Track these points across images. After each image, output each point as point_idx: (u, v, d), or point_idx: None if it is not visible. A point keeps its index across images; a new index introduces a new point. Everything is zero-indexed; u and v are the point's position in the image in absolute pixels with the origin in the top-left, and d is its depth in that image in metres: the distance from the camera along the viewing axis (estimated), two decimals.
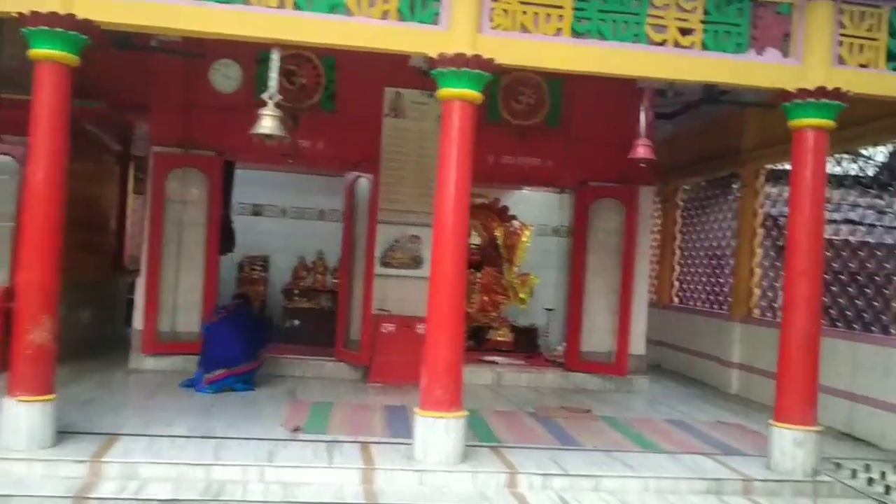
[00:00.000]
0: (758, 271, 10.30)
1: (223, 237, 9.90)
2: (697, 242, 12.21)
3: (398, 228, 9.88)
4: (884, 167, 11.94)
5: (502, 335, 11.57)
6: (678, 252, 12.85)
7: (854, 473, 4.94)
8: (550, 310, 12.22)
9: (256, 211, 12.49)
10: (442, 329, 6.09)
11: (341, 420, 7.21)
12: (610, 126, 10.19)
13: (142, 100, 9.47)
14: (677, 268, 12.84)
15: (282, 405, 7.70)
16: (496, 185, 11.27)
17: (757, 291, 10.30)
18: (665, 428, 7.84)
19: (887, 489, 4.52)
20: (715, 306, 11.46)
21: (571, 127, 10.15)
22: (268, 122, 6.02)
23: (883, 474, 4.86)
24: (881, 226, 10.63)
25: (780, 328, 6.60)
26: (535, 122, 10.08)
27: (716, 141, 11.34)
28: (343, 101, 9.69)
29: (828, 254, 8.94)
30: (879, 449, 7.55)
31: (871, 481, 4.81)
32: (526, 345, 11.59)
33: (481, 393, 9.15)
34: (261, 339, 8.42)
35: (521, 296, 11.61)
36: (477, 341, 11.60)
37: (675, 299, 12.79)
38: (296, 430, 6.67)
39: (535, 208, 12.79)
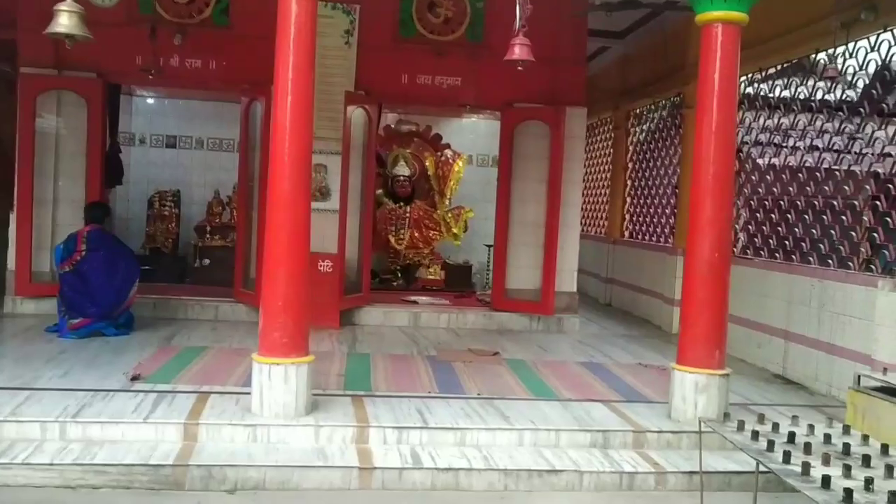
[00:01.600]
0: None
1: (109, 169, 9.01)
2: (647, 172, 11.28)
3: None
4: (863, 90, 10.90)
5: (432, 273, 10.76)
6: (629, 183, 11.93)
7: (741, 425, 4.11)
8: (491, 246, 11.36)
9: (171, 143, 11.55)
10: (278, 260, 5.22)
11: (201, 368, 6.41)
12: (538, 42, 9.17)
13: (10, 15, 8.49)
14: (628, 200, 11.92)
15: (148, 351, 6.90)
16: (411, 107, 10.33)
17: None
18: (575, 371, 7.03)
19: (769, 444, 3.70)
20: (661, 240, 10.58)
21: (494, 43, 9.11)
22: (64, 20, 5.04)
23: (775, 426, 4.04)
24: (848, 153, 9.67)
25: (685, 256, 5.73)
26: (454, 38, 9.08)
27: (663, 60, 10.33)
28: (237, 15, 8.71)
29: (787, 181, 8.05)
30: (809, 392, 6.74)
31: (755, 435, 3.99)
32: (459, 283, 10.78)
33: (390, 335, 8.36)
34: (128, 274, 7.53)
35: (455, 231, 10.79)
36: (406, 280, 10.80)
37: (626, 234, 11.90)
38: (134, 378, 5.88)
39: (477, 137, 11.87)
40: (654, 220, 10.88)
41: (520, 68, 5.87)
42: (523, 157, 9.20)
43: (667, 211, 10.50)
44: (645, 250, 10.76)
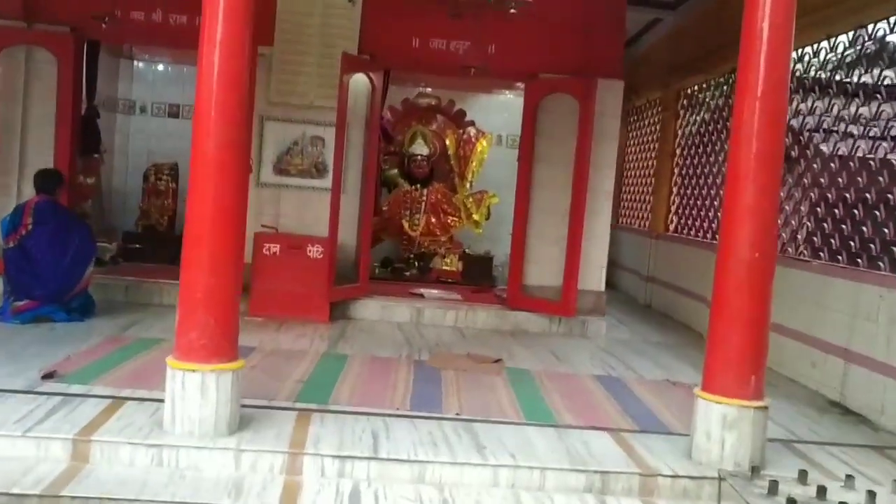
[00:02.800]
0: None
1: (85, 137, 8.14)
2: (697, 159, 9.99)
3: (297, 127, 7.99)
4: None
5: (448, 264, 9.68)
6: (676, 172, 10.65)
7: (773, 487, 2.99)
8: None
9: (173, 112, 10.67)
10: (198, 240, 4.19)
11: (138, 367, 5.45)
12: (569, 4, 8.06)
13: None
14: (674, 190, 10.65)
15: (90, 342, 5.99)
16: (421, 73, 9.23)
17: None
18: (586, 388, 5.90)
19: None
20: (707, 236, 9.32)
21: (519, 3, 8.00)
22: None
23: (821, 491, 2.91)
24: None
25: (717, 254, 4.56)
26: None
27: (717, 30, 9.03)
28: None
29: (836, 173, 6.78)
30: (872, 428, 5.49)
31: (774, 487, 2.89)
32: (478, 276, 9.68)
33: (383, 333, 7.32)
34: (82, 253, 6.63)
35: (475, 217, 9.67)
36: (421, 270, 9.74)
37: (670, 228, 10.64)
38: (47, 376, 4.94)
39: (509, 116, 10.70)
40: (702, 214, 9.61)
41: (513, 11, 4.70)
42: (548, 136, 8.06)
43: (715, 203, 9.22)
44: (689, 247, 9.50)
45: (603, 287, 8.27)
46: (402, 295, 8.41)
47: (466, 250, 10.00)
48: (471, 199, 9.74)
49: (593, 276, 8.13)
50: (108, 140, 9.66)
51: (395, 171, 9.95)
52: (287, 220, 7.92)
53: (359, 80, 7.86)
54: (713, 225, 9.20)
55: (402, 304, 8.06)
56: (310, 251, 7.47)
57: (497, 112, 10.81)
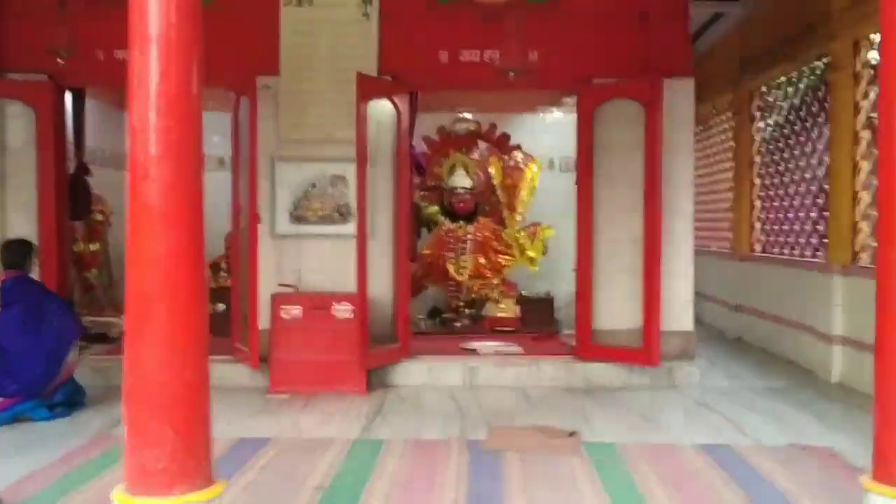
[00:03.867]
0: (864, 195, 6.70)
1: (73, 198, 7.12)
2: (783, 165, 8.60)
3: (314, 167, 6.85)
4: None
5: (504, 310, 8.41)
6: (758, 182, 9.25)
7: None
8: None
9: None
10: (144, 324, 2.99)
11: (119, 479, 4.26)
12: None
13: None
14: (758, 204, 9.24)
15: (69, 446, 4.86)
16: (453, 92, 8.05)
17: (865, 226, 6.72)
18: (693, 466, 4.53)
19: None
20: (806, 253, 7.89)
21: (563, 1, 6.81)
22: None
23: None
24: None
25: (877, 289, 3.22)
26: None
27: (796, 15, 7.71)
28: None
29: None
30: None
31: None
32: (538, 321, 8.39)
33: (431, 403, 6.09)
34: (62, 337, 5.54)
35: (530, 253, 8.40)
36: (472, 319, 8.50)
37: (756, 247, 9.21)
38: None
39: (559, 136, 9.46)
40: (795, 229, 8.19)
41: None
42: (608, 150, 6.79)
43: (812, 214, 7.81)
44: (786, 268, 8.08)
45: (691, 325, 6.89)
46: (451, 352, 7.16)
47: (523, 292, 8.72)
48: (523, 234, 8.48)
49: (678, 313, 6.77)
50: (114, 201, 8.65)
51: (435, 208, 8.76)
52: (310, 276, 6.76)
53: (381, 107, 6.73)
54: (811, 240, 7.77)
55: (452, 363, 6.81)
56: (336, 311, 6.29)
57: (545, 133, 9.57)
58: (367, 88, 6.32)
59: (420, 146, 8.91)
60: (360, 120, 6.19)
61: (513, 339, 7.77)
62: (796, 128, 8.28)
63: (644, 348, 6.46)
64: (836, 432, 5.20)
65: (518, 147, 8.88)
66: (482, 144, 9.05)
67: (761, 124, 9.19)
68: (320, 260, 6.79)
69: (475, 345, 7.38)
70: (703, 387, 6.62)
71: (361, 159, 6.19)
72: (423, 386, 6.60)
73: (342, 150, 6.66)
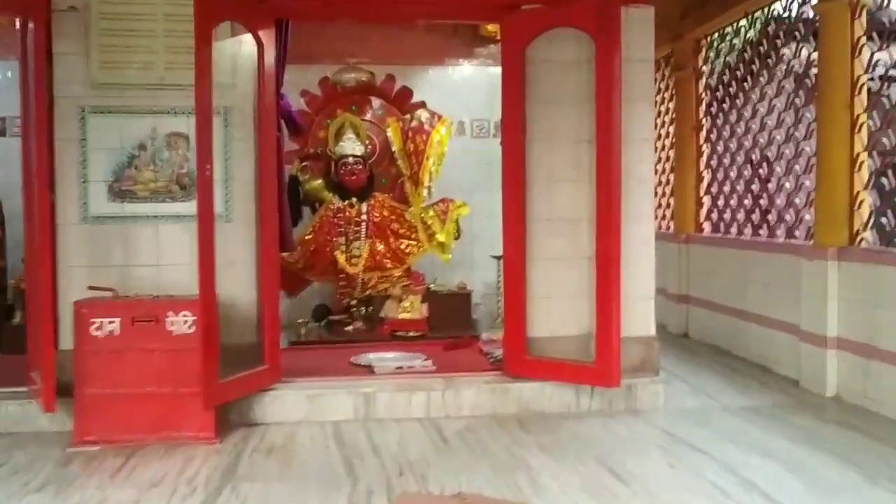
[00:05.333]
0: (866, 161, 5.25)
1: None
2: (739, 127, 7.13)
3: (143, 122, 4.92)
4: None
5: (408, 309, 6.65)
6: (707, 149, 7.78)
7: None
8: (500, 258, 7.27)
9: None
10: None
11: None
12: None
13: None
14: (706, 175, 7.78)
15: None
16: (336, 20, 6.27)
17: (867, 200, 5.28)
18: None
19: None
20: (779, 233, 6.44)
21: None
22: None
23: None
24: None
25: None
26: None
27: None
28: None
29: None
30: None
31: None
32: (451, 322, 6.71)
33: (308, 451, 4.34)
34: None
35: (440, 238, 6.70)
36: (369, 320, 6.74)
37: (706, 226, 7.75)
38: None
39: (472, 92, 7.77)
40: (754, 205, 6.74)
41: None
42: (545, 101, 5.13)
43: (787, 185, 6.36)
44: (751, 251, 6.61)
45: (653, 328, 5.30)
46: (339, 371, 5.38)
47: (431, 286, 6.99)
48: (431, 213, 6.76)
49: (637, 314, 5.18)
50: None
51: (319, 181, 6.92)
52: (138, 275, 4.85)
53: (239, 42, 4.88)
54: (790, 217, 6.33)
55: (340, 388, 5.02)
56: (171, 323, 4.42)
57: (454, 92, 7.81)
58: (212, 9, 4.42)
59: (298, 103, 7.05)
60: (201, 53, 4.29)
61: (419, 347, 6.07)
62: (757, 81, 6.82)
63: (598, 362, 4.83)
64: (867, 470, 3.71)
65: (422, 105, 7.12)
66: (377, 102, 7.24)
67: (709, 81, 7.71)
68: (152, 252, 4.90)
69: (370, 358, 5.62)
70: (669, 408, 5.07)
71: (202, 110, 4.30)
72: (301, 423, 4.80)
73: (183, 99, 4.76)
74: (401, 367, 5.42)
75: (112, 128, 4.86)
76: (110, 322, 4.40)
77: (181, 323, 4.43)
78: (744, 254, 6.68)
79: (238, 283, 4.91)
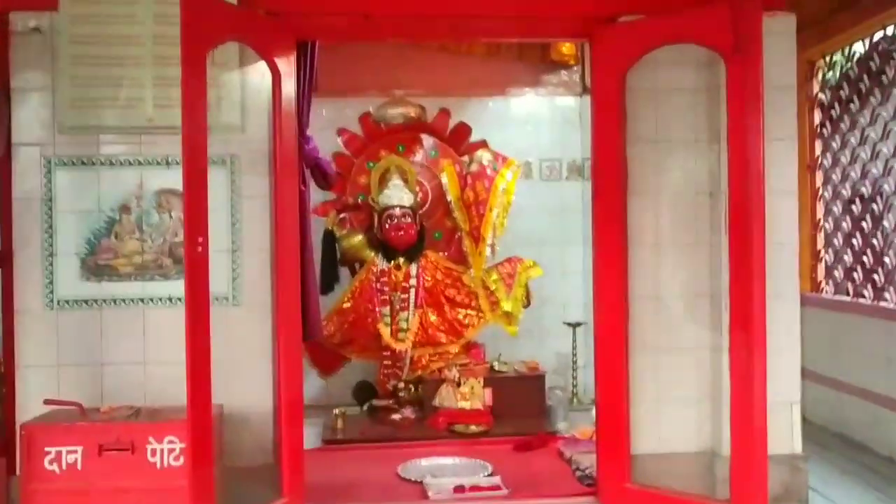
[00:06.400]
0: None
1: None
2: (872, 165, 5.78)
3: (127, 175, 3.79)
4: None
5: (468, 396, 5.40)
6: (827, 195, 6.42)
7: None
8: (577, 325, 6.04)
9: None
10: None
11: None
12: None
13: None
14: (825, 224, 6.41)
15: None
16: (377, 41, 5.10)
17: None
18: None
19: None
20: None
21: None
22: None
23: None
24: None
25: None
26: None
27: None
28: None
29: None
30: None
31: None
32: (521, 411, 5.43)
33: None
34: None
35: (505, 306, 5.47)
36: (419, 408, 5.53)
37: (823, 286, 6.38)
38: None
39: (539, 128, 6.56)
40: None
41: None
42: (652, 141, 3.88)
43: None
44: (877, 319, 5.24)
45: (799, 443, 3.97)
46: (383, 489, 4.16)
47: (495, 364, 5.73)
48: (495, 276, 5.54)
49: (778, 424, 3.85)
50: None
51: (360, 237, 5.76)
52: (118, 379, 3.70)
53: (251, 72, 3.75)
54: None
55: None
56: (153, 452, 3.24)
57: (519, 126, 6.58)
58: (205, 26, 3.28)
59: (334, 144, 5.90)
60: (189, 84, 3.14)
61: (483, 447, 4.85)
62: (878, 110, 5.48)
63: (735, 498, 3.51)
64: None
65: (483, 144, 5.92)
66: (428, 141, 6.05)
67: (829, 107, 6.37)
68: (134, 348, 3.74)
69: (423, 467, 4.40)
70: None
71: (191, 160, 3.14)
72: None
73: (178, 145, 3.59)
74: (462, 488, 4.15)
75: (86, 184, 3.74)
76: (70, 451, 3.24)
77: (166, 452, 3.24)
78: (886, 325, 5.30)
79: (249, 387, 3.74)
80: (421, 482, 4.22)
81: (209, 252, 3.18)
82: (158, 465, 3.25)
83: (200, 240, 3.15)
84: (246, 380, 3.73)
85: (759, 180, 3.37)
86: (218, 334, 3.30)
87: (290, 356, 3.73)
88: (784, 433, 3.89)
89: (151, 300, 3.76)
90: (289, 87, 3.75)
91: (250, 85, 3.82)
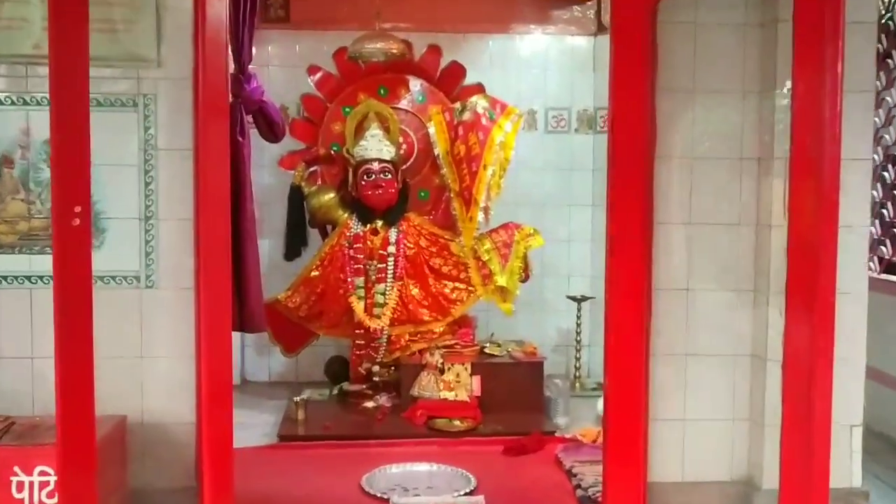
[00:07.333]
0: None
1: None
2: None
3: (9, 117, 2.93)
4: None
5: (452, 385, 4.62)
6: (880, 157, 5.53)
7: None
8: (582, 300, 5.25)
9: None
10: None
11: None
12: None
13: None
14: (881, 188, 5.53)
15: None
16: None
17: None
18: None
19: None
20: None
21: None
22: None
23: None
24: None
25: None
26: None
27: None
28: None
29: None
30: None
31: None
32: (514, 404, 4.66)
33: None
34: None
35: (499, 280, 4.68)
36: (396, 393, 4.78)
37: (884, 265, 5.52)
38: None
39: (544, 72, 5.68)
40: None
41: None
42: (687, 91, 3.02)
43: None
44: None
45: (859, 476, 3.19)
46: (334, 501, 3.40)
47: (486, 347, 4.92)
48: (488, 245, 4.74)
49: (836, 452, 3.03)
50: None
51: (331, 195, 4.95)
52: None
53: None
54: None
55: None
56: (19, 487, 2.46)
57: (523, 68, 5.68)
58: None
59: (301, 86, 5.04)
60: None
61: (467, 448, 4.12)
62: None
63: None
64: None
65: (479, 88, 5.05)
66: (415, 83, 5.17)
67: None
68: (27, 337, 2.95)
69: (391, 476, 3.65)
70: None
71: (60, 96, 2.30)
72: None
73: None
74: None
75: None
76: None
77: (37, 487, 2.46)
78: None
79: (167, 390, 2.95)
80: (387, 500, 3.46)
81: (91, 222, 2.36)
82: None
83: (78, 209, 2.32)
84: (163, 381, 2.95)
85: (836, 144, 2.52)
86: (125, 323, 2.52)
87: (217, 346, 2.91)
88: (843, 462, 3.12)
89: (41, 278, 2.95)
90: (217, 8, 2.87)
91: (170, 5, 2.94)
